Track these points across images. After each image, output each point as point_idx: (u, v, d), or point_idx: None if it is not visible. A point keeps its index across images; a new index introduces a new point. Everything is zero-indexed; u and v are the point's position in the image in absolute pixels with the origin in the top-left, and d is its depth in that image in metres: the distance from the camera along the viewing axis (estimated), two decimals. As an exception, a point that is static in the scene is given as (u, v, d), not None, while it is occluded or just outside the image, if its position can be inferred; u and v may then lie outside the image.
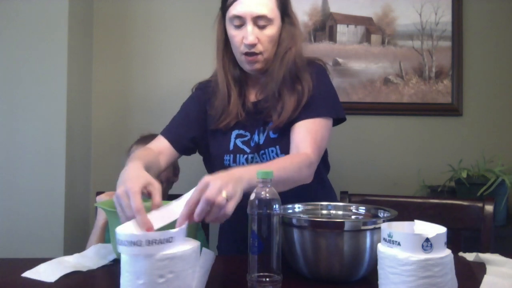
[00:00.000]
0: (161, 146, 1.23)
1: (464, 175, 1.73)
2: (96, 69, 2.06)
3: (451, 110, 2.05)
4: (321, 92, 1.21)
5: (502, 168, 1.73)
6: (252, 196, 0.80)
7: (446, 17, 2.05)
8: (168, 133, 1.26)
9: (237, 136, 1.25)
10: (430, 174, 2.00)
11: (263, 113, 1.22)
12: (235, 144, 1.24)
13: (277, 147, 1.21)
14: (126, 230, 0.75)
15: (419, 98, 2.05)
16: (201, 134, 1.29)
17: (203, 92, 1.31)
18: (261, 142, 1.23)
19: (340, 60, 2.06)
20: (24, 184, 1.75)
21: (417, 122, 2.07)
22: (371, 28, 2.07)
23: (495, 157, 1.85)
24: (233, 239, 1.33)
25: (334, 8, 2.07)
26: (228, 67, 1.25)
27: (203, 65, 2.10)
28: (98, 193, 1.54)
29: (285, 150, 1.19)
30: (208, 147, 1.29)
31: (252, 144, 1.23)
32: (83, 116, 1.97)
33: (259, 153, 1.22)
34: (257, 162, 1.22)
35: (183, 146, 1.27)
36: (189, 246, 0.74)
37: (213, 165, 1.29)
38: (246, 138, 1.24)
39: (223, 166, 1.24)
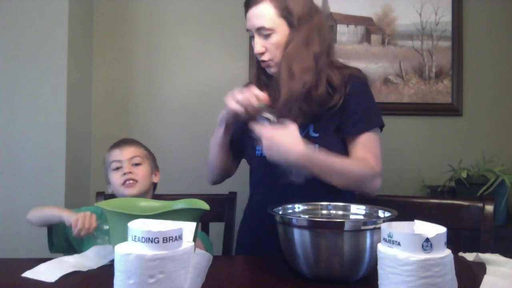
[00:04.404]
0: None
1: (464, 175, 1.73)
2: (96, 69, 2.06)
3: (451, 110, 2.05)
4: (368, 104, 1.26)
5: (502, 168, 1.73)
6: None
7: (446, 17, 2.05)
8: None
9: None
10: (430, 174, 2.00)
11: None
12: None
13: (316, 146, 1.20)
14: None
15: (419, 98, 2.05)
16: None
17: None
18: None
19: (340, 60, 2.05)
20: (24, 184, 1.75)
21: (417, 122, 2.07)
22: (371, 28, 2.06)
23: (495, 157, 1.85)
24: (250, 242, 1.33)
25: (334, 8, 2.07)
26: (261, 71, 1.32)
27: (203, 65, 2.11)
28: (98, 193, 1.54)
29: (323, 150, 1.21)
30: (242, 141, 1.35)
31: None
32: (83, 116, 1.97)
33: None
34: None
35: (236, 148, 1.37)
36: (180, 246, 0.73)
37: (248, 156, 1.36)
38: None
39: (255, 157, 1.29)
